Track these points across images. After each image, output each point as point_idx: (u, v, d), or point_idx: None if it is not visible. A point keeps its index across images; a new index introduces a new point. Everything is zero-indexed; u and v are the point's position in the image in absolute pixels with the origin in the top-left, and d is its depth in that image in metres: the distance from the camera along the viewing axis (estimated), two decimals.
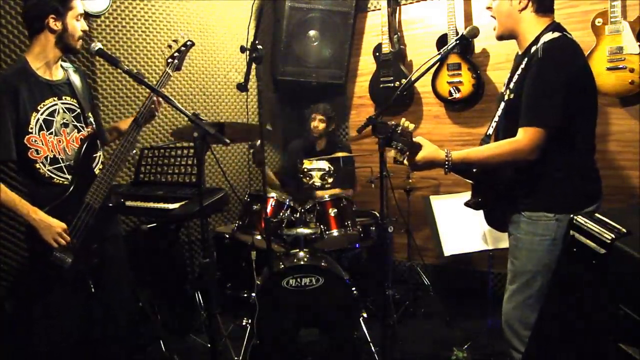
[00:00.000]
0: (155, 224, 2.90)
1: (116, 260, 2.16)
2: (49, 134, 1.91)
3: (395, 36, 3.67)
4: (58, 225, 1.82)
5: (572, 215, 2.16)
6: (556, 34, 1.77)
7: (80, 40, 1.98)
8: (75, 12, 1.92)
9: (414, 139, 1.79)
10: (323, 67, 3.84)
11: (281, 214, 2.87)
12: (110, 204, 2.02)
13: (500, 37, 1.92)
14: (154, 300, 2.92)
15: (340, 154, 3.38)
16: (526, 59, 1.80)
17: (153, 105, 2.12)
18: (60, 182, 1.93)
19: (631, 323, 1.81)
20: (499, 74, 3.37)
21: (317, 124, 3.50)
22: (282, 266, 2.63)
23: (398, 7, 3.76)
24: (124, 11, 3.05)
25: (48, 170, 1.91)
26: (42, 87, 1.91)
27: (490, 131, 1.94)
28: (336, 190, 3.21)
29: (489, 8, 1.91)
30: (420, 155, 1.76)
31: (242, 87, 2.17)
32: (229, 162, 3.74)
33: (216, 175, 3.61)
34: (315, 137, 3.56)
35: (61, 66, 2.01)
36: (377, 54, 3.74)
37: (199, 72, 3.49)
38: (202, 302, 3.10)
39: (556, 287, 2.28)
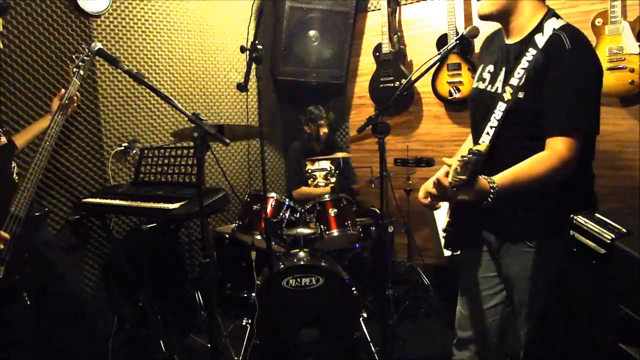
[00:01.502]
0: (155, 224, 2.90)
1: (59, 264, 2.16)
2: None
3: (395, 36, 3.67)
4: None
5: (572, 216, 2.17)
6: (562, 21, 1.54)
7: None
8: None
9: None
10: (323, 67, 3.84)
11: (281, 214, 2.87)
12: (37, 213, 2.00)
13: (487, 16, 1.58)
14: (154, 300, 2.92)
15: (340, 154, 3.39)
16: (533, 50, 1.50)
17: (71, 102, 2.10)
18: None
19: (631, 323, 1.81)
20: None
21: (326, 129, 3.56)
22: (282, 266, 2.64)
23: (398, 7, 3.75)
24: (124, 11, 3.05)
25: None
26: None
27: (486, 140, 1.58)
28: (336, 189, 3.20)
29: None
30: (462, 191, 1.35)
31: (242, 87, 2.17)
32: (229, 162, 3.74)
33: (216, 175, 3.61)
34: (319, 140, 3.58)
35: None
36: (377, 54, 3.74)
37: (199, 72, 3.49)
38: (202, 302, 3.10)
39: (556, 287, 2.28)
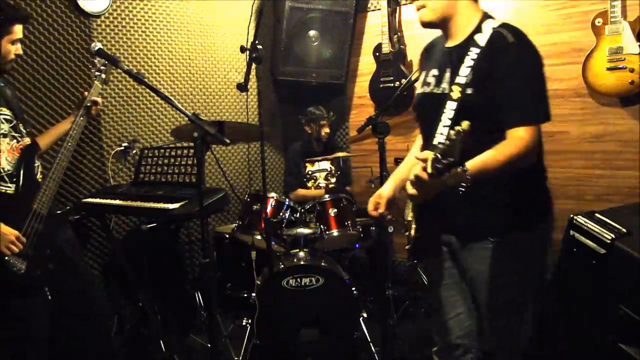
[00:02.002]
0: (155, 224, 2.90)
1: (78, 263, 2.22)
2: None
3: (395, 36, 3.67)
4: (10, 232, 1.80)
5: (572, 216, 2.17)
6: (499, 21, 1.57)
7: (12, 63, 2.00)
8: (13, 36, 1.93)
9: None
10: (323, 67, 3.84)
11: (281, 214, 2.87)
12: (58, 211, 2.04)
13: (429, 24, 1.64)
14: (154, 300, 2.92)
15: (340, 154, 3.40)
16: (476, 49, 1.53)
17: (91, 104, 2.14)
18: (3, 191, 1.91)
19: (631, 323, 1.82)
20: None
21: (327, 129, 3.56)
22: (282, 266, 2.63)
23: (398, 7, 3.76)
24: (124, 11, 3.05)
25: None
26: None
27: (442, 139, 1.55)
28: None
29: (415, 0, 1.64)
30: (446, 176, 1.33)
31: (242, 87, 2.17)
32: (229, 162, 3.74)
33: (216, 175, 3.61)
34: (320, 141, 3.58)
35: None
36: (377, 54, 3.75)
37: (199, 72, 3.49)
38: (202, 302, 3.10)
39: (556, 287, 2.28)
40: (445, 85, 1.61)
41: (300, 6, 3.64)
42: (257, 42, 2.10)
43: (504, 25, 1.53)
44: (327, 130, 3.57)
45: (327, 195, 2.95)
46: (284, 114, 4.10)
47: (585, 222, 2.11)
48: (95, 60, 2.23)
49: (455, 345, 1.79)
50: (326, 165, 3.56)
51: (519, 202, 1.58)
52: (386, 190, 1.82)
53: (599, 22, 2.82)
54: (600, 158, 3.08)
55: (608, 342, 1.92)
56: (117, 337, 2.84)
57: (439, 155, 1.22)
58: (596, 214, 2.13)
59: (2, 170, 1.91)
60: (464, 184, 1.33)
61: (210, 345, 2.19)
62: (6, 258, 1.79)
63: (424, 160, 1.25)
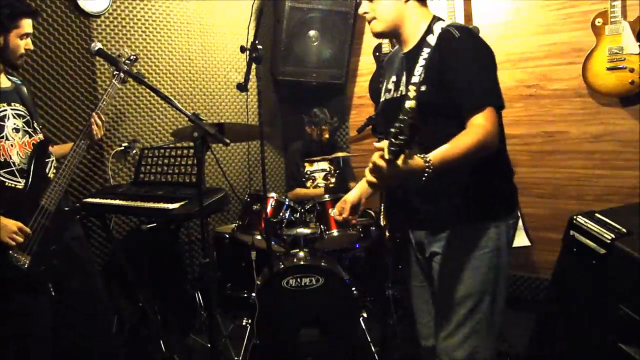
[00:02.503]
0: (155, 224, 2.90)
1: (86, 262, 2.22)
2: (0, 138, 1.91)
3: None
4: (13, 224, 1.81)
5: (572, 216, 2.17)
6: (449, 22, 1.62)
7: (23, 58, 1.98)
8: (21, 31, 1.91)
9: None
10: (323, 67, 3.84)
11: (281, 214, 2.87)
12: (66, 207, 2.05)
13: (380, 35, 1.71)
14: (154, 300, 2.92)
15: (340, 154, 3.39)
16: (427, 49, 1.56)
17: (93, 126, 2.12)
18: (12, 185, 1.92)
19: (631, 323, 1.81)
20: (499, 74, 3.31)
21: (327, 134, 3.58)
22: (282, 266, 2.63)
23: None
24: (124, 11, 3.05)
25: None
26: None
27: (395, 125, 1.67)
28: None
29: (365, 13, 1.67)
30: (401, 162, 1.28)
31: (242, 87, 2.17)
32: (229, 162, 3.74)
33: (216, 175, 3.61)
34: (319, 143, 3.58)
35: (7, 77, 2.04)
36: (377, 54, 3.74)
37: (199, 72, 3.49)
38: (202, 302, 3.10)
39: (556, 287, 2.28)
40: (402, 88, 1.66)
41: (300, 6, 3.64)
42: (257, 42, 2.10)
43: (452, 24, 1.58)
44: (327, 135, 3.58)
45: (327, 195, 2.95)
46: (284, 114, 4.10)
47: (585, 222, 2.11)
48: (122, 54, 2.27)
49: (432, 347, 1.78)
50: (325, 165, 3.56)
51: (483, 192, 1.59)
52: (352, 195, 1.84)
53: (599, 22, 2.82)
54: (600, 158, 3.08)
55: (608, 342, 1.92)
56: (117, 337, 2.84)
57: (392, 139, 1.22)
58: (596, 214, 2.13)
59: (13, 165, 1.93)
60: (426, 175, 1.32)
61: (210, 345, 2.20)
62: (10, 252, 1.80)
63: (381, 149, 1.26)
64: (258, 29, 2.15)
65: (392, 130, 1.22)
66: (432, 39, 1.58)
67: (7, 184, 1.91)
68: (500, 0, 3.32)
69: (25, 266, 1.84)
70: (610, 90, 2.85)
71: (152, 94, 2.68)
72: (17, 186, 1.92)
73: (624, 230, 1.97)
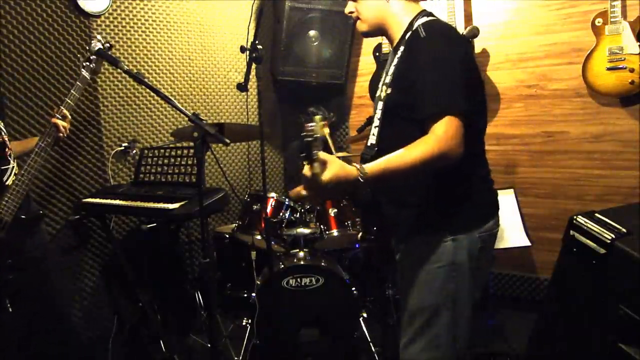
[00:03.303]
0: (155, 224, 2.90)
1: (43, 271, 2.10)
2: None
3: None
4: None
5: (572, 216, 2.16)
6: (429, 18, 1.52)
7: None
8: None
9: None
10: (323, 67, 3.83)
11: (281, 214, 2.87)
12: (23, 216, 1.91)
13: (365, 34, 1.67)
14: (154, 300, 2.92)
15: (340, 154, 3.39)
16: (402, 47, 1.51)
17: (57, 129, 2.03)
18: None
19: (631, 323, 1.81)
20: (499, 74, 3.37)
21: (325, 128, 3.56)
22: (282, 266, 2.63)
23: None
24: (124, 11, 3.05)
25: None
26: None
27: (373, 140, 1.58)
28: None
29: (350, 13, 1.65)
30: (328, 174, 1.24)
31: (242, 87, 2.17)
32: (229, 162, 3.74)
33: (216, 175, 3.61)
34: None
35: None
36: (377, 54, 3.74)
37: (199, 72, 3.49)
38: (202, 302, 3.10)
39: (556, 287, 2.28)
40: (381, 86, 1.62)
41: (300, 6, 3.64)
42: (257, 42, 2.10)
43: (427, 22, 1.48)
44: (326, 130, 3.57)
45: None
46: (284, 114, 4.10)
47: (585, 222, 2.10)
48: (88, 48, 2.17)
49: None
50: None
51: (441, 203, 1.51)
52: (294, 190, 1.79)
53: (599, 22, 2.82)
54: (600, 158, 3.08)
55: (608, 342, 1.92)
56: (117, 337, 2.84)
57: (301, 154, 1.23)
58: (596, 214, 2.13)
59: None
60: (361, 185, 1.26)
61: (210, 345, 2.20)
62: None
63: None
64: (258, 29, 2.15)
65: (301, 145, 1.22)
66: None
67: None
68: (500, 0, 3.32)
69: None
70: (610, 90, 2.85)
71: (152, 94, 2.68)
72: None
73: (624, 230, 1.97)
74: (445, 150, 1.30)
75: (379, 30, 1.63)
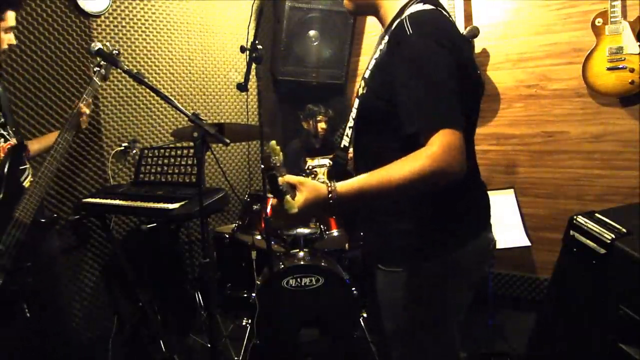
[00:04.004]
0: (155, 224, 2.90)
1: (55, 277, 2.08)
2: None
3: None
4: None
5: (572, 216, 2.16)
6: (427, 6, 1.26)
7: (5, 54, 1.83)
8: (5, 24, 1.78)
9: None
10: (323, 67, 3.84)
11: None
12: (43, 219, 1.90)
13: (354, 13, 1.49)
14: (154, 300, 2.92)
15: (323, 158, 3.38)
16: (387, 37, 1.28)
17: (80, 117, 2.00)
18: None
19: (631, 323, 1.81)
20: (499, 74, 3.37)
21: (324, 125, 3.57)
22: (282, 266, 2.63)
23: None
24: (124, 11, 3.05)
25: None
26: None
27: (346, 142, 1.40)
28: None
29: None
30: (299, 201, 1.14)
31: (242, 87, 2.17)
32: (229, 162, 3.74)
33: (216, 175, 3.61)
34: (317, 137, 3.59)
35: None
36: None
37: (199, 72, 3.49)
38: (202, 302, 3.10)
39: (556, 287, 2.28)
40: (361, 80, 1.40)
41: (300, 6, 3.64)
42: (257, 42, 2.10)
43: (417, 13, 1.24)
44: (323, 126, 3.58)
45: None
46: (284, 114, 4.10)
47: (585, 222, 2.10)
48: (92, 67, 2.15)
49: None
50: (326, 161, 3.56)
51: (403, 231, 1.33)
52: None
53: (599, 22, 2.82)
54: (600, 158, 3.08)
55: (608, 342, 1.92)
56: (117, 337, 2.84)
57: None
58: (596, 214, 2.13)
59: None
60: (331, 205, 1.13)
61: (210, 345, 2.19)
62: None
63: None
64: (258, 29, 2.15)
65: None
66: None
67: None
68: (500, 0, 3.32)
69: None
70: (610, 90, 2.85)
71: (152, 94, 2.67)
72: None
73: (624, 230, 1.97)
74: (439, 167, 1.09)
75: (368, 10, 1.42)
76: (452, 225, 1.32)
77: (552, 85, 3.20)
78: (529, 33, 3.25)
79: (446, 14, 1.31)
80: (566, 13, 3.10)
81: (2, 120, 1.86)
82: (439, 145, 1.10)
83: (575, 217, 2.15)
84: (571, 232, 2.14)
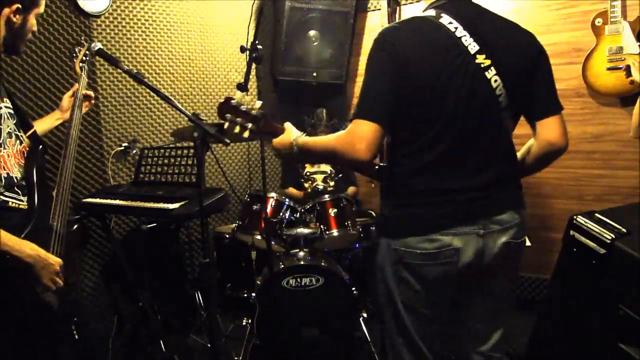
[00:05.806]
0: (155, 224, 2.90)
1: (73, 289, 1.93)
2: None
3: None
4: (56, 262, 1.48)
5: (572, 216, 2.16)
6: (427, 12, 1.56)
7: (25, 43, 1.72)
8: (39, 10, 1.68)
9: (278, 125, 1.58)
10: (323, 67, 3.83)
11: (281, 214, 2.87)
12: (73, 227, 1.80)
13: None
14: (154, 300, 2.92)
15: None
16: None
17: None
18: (16, 205, 1.55)
19: (631, 323, 1.81)
20: None
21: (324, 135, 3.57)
22: (282, 266, 2.63)
23: (398, 7, 3.74)
24: (124, 11, 3.05)
25: (1, 193, 1.52)
26: None
27: None
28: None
29: None
30: (277, 139, 1.56)
31: (242, 87, 2.17)
32: (229, 162, 3.74)
33: (216, 175, 3.61)
34: None
35: None
36: None
37: (199, 72, 3.49)
38: (202, 302, 3.10)
39: (556, 287, 2.28)
40: None
41: (300, 6, 3.64)
42: (257, 42, 2.10)
43: (395, 23, 1.55)
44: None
45: (327, 195, 2.95)
46: (284, 114, 4.09)
47: (585, 222, 2.11)
48: (76, 49, 2.12)
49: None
50: (326, 167, 3.56)
51: (383, 206, 1.55)
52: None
53: (599, 22, 2.83)
54: (600, 158, 3.09)
55: (608, 342, 1.92)
56: (117, 337, 2.84)
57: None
58: (596, 214, 2.13)
59: (15, 180, 1.56)
60: (293, 151, 1.50)
61: (210, 345, 2.20)
62: (39, 290, 1.44)
63: None
64: (258, 29, 2.15)
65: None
66: None
67: (10, 204, 1.53)
68: (500, 0, 3.32)
69: (55, 306, 1.49)
70: (610, 90, 2.86)
71: (152, 94, 2.67)
72: (20, 206, 1.56)
73: (624, 230, 1.97)
74: (342, 149, 1.39)
75: None
76: (399, 213, 1.50)
77: None
78: None
79: (440, 22, 1.50)
80: (566, 13, 3.10)
81: (17, 117, 1.69)
82: (347, 131, 1.39)
83: (575, 217, 2.15)
84: (571, 232, 2.14)
